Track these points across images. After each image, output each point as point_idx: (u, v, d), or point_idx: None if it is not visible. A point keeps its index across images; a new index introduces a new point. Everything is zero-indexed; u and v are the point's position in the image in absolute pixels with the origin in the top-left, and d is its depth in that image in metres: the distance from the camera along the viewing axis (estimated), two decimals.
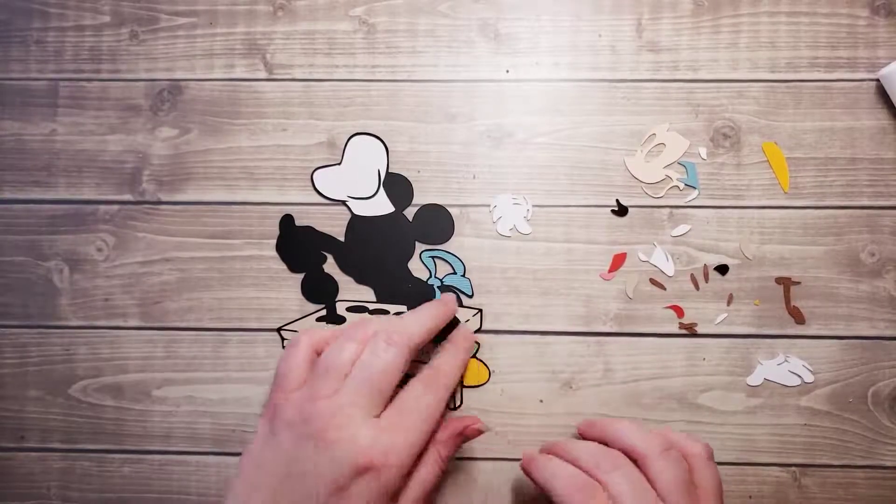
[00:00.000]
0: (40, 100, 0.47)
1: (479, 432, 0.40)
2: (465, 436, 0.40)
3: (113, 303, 0.46)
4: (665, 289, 0.45)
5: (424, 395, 0.36)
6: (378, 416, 0.35)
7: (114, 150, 0.47)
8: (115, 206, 0.47)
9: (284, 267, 0.46)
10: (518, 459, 0.45)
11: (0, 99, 0.47)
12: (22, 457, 0.46)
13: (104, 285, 0.46)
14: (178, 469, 0.46)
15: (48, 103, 0.47)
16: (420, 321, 0.39)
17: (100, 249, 0.46)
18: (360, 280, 0.46)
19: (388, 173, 0.46)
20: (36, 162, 0.47)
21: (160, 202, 0.46)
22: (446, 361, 0.39)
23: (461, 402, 0.45)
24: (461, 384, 0.45)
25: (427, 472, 0.37)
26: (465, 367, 0.39)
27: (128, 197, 0.47)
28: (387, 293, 0.46)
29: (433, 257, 0.45)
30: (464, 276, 0.45)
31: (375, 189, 0.45)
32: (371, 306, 0.45)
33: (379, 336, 0.37)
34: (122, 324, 0.46)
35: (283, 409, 0.35)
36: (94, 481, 0.46)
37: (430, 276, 0.45)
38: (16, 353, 0.46)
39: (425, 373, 0.38)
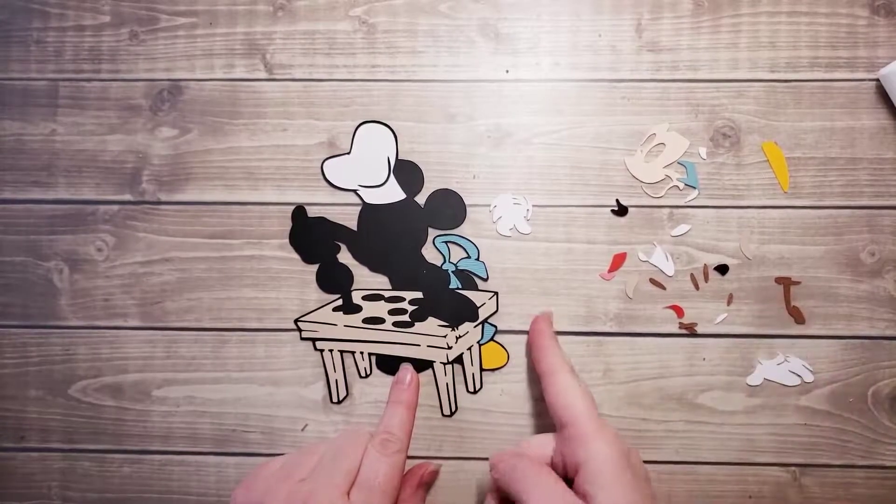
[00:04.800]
0: (40, 100, 0.47)
1: (435, 473, 0.44)
2: (425, 483, 0.43)
3: (113, 303, 0.46)
4: (665, 289, 0.45)
5: (382, 464, 0.37)
6: (348, 493, 0.36)
7: (114, 150, 0.47)
8: (115, 206, 0.47)
9: (285, 267, 0.46)
10: None
11: (0, 99, 0.47)
12: (22, 457, 0.46)
13: (104, 285, 0.46)
14: (178, 469, 0.46)
15: (48, 103, 0.47)
16: (401, 421, 0.40)
17: (100, 249, 0.46)
18: (375, 268, 0.46)
19: (397, 160, 0.46)
20: (36, 162, 0.47)
21: (160, 202, 0.46)
22: (396, 425, 0.39)
23: (481, 386, 0.45)
24: (480, 368, 0.45)
25: None
26: (413, 421, 0.40)
27: (128, 197, 0.47)
28: (402, 280, 0.46)
29: (447, 242, 0.45)
30: (478, 259, 0.45)
31: (386, 177, 0.45)
32: (387, 294, 0.46)
33: (374, 447, 0.38)
34: (122, 324, 0.46)
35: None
36: (94, 481, 0.46)
37: (445, 262, 0.45)
38: (16, 353, 0.46)
39: (379, 439, 0.38)
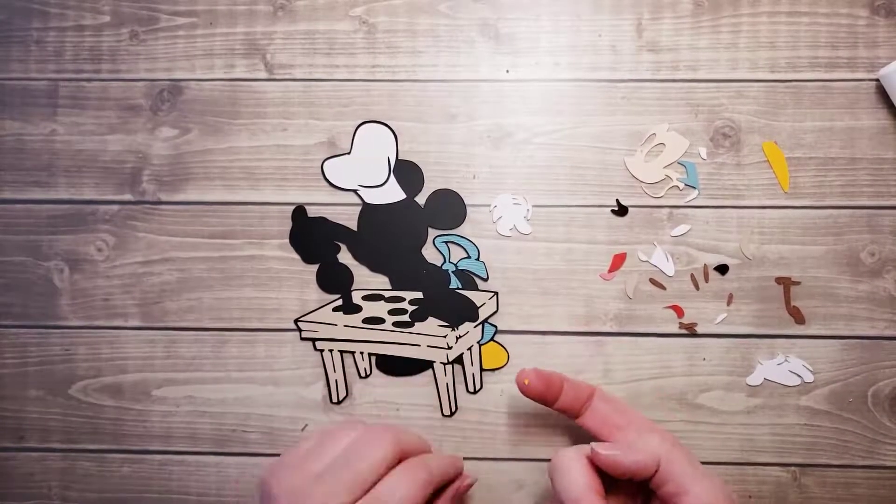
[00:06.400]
0: (40, 100, 0.47)
1: (470, 486, 0.41)
2: (460, 495, 0.41)
3: (113, 303, 0.46)
4: (665, 289, 0.45)
5: (402, 486, 0.35)
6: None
7: (114, 150, 0.47)
8: (115, 206, 0.47)
9: (285, 267, 0.46)
10: (518, 459, 0.45)
11: (0, 99, 0.47)
12: (22, 457, 0.46)
13: (104, 285, 0.46)
14: (178, 469, 0.46)
15: (48, 103, 0.47)
16: (446, 470, 0.38)
17: (100, 249, 0.46)
18: (375, 268, 0.46)
19: (397, 160, 0.46)
20: (36, 162, 0.47)
21: (160, 202, 0.46)
22: (441, 469, 0.38)
23: (481, 386, 0.45)
24: (480, 368, 0.45)
25: None
26: (450, 474, 0.39)
27: (128, 197, 0.47)
28: (402, 280, 0.46)
29: (447, 242, 0.45)
30: (478, 259, 0.45)
31: (386, 177, 0.45)
32: (387, 294, 0.46)
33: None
34: (122, 324, 0.46)
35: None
36: (94, 481, 0.46)
37: (445, 262, 0.45)
38: (16, 353, 0.46)
39: (410, 461, 0.36)
